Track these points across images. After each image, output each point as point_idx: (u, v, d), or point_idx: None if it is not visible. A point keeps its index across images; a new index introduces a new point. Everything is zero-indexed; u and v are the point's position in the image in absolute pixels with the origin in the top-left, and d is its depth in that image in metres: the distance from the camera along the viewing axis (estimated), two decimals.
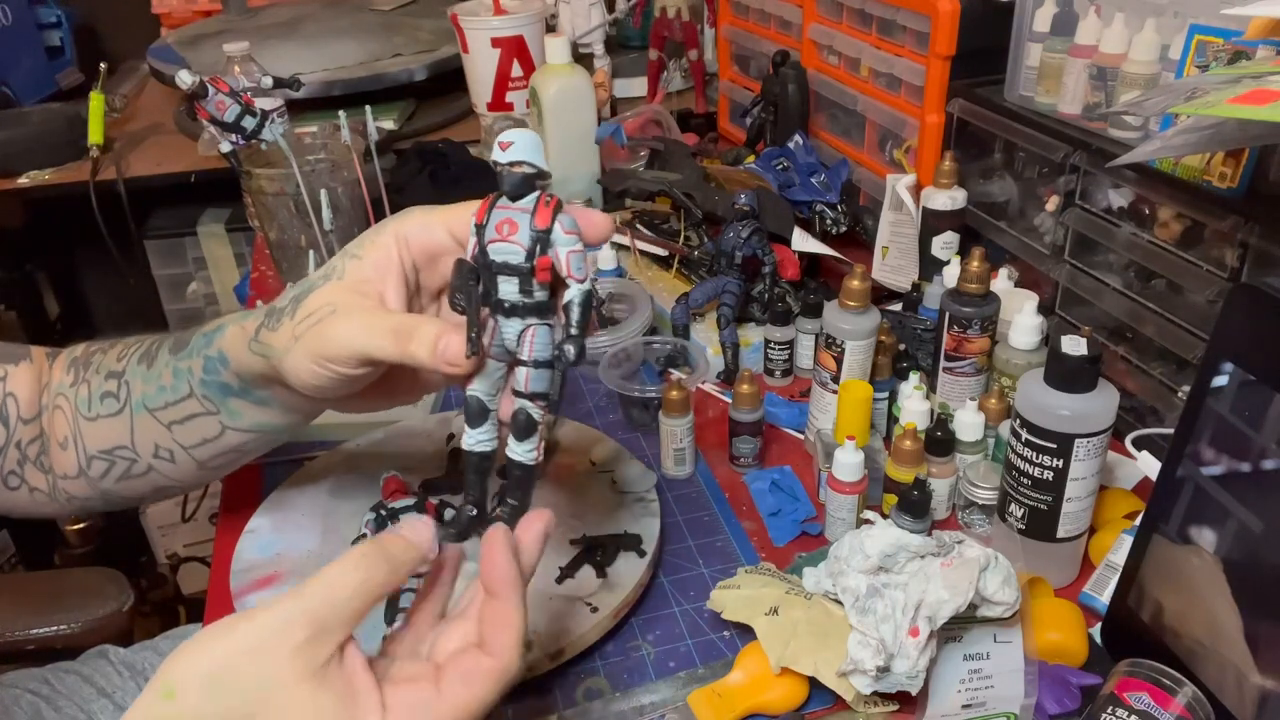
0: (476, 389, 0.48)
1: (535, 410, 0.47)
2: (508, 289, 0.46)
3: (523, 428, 0.48)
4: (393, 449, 0.83)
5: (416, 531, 0.45)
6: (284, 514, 0.74)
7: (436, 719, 0.41)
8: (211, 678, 0.37)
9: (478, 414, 0.48)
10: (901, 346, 0.87)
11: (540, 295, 0.46)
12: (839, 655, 0.58)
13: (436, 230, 0.51)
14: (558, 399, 0.48)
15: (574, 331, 0.45)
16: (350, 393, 0.54)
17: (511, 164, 0.45)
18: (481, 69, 1.50)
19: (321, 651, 0.38)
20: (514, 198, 0.45)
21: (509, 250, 0.45)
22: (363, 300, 0.50)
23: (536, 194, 0.46)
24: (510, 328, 0.47)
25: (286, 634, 0.38)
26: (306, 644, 0.38)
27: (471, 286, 0.46)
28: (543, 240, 0.45)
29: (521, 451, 0.48)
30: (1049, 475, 0.64)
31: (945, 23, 0.92)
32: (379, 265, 0.51)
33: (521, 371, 0.47)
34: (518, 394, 0.47)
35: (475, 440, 0.49)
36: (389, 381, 0.56)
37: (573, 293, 0.45)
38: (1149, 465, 0.74)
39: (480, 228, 0.46)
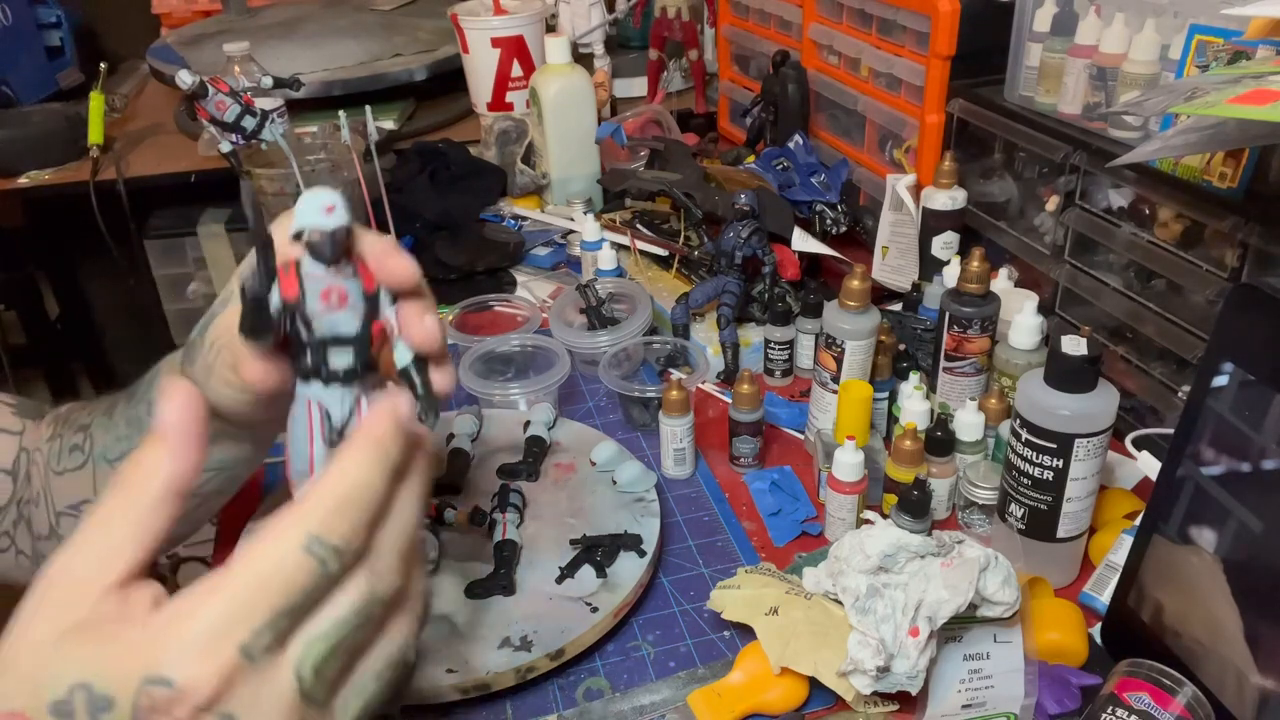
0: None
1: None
2: (341, 360, 0.41)
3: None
4: None
5: (163, 415, 0.36)
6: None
7: (219, 594, 0.32)
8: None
9: None
10: (901, 346, 0.87)
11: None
12: (839, 655, 0.58)
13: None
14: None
15: (421, 393, 0.41)
16: (277, 408, 0.50)
17: (312, 228, 0.40)
18: (481, 69, 1.50)
19: (74, 611, 0.33)
20: (332, 262, 0.41)
21: (341, 320, 0.41)
22: None
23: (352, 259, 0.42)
24: (339, 401, 0.41)
25: (34, 613, 0.33)
26: (57, 611, 0.33)
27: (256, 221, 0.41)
28: (372, 304, 0.42)
29: None
30: (1049, 475, 0.64)
31: (945, 23, 0.92)
32: None
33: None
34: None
35: None
36: None
37: (405, 355, 0.42)
38: (1149, 465, 0.74)
39: (298, 301, 0.41)
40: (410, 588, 0.38)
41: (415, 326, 0.43)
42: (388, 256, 0.43)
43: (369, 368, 0.42)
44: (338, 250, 0.40)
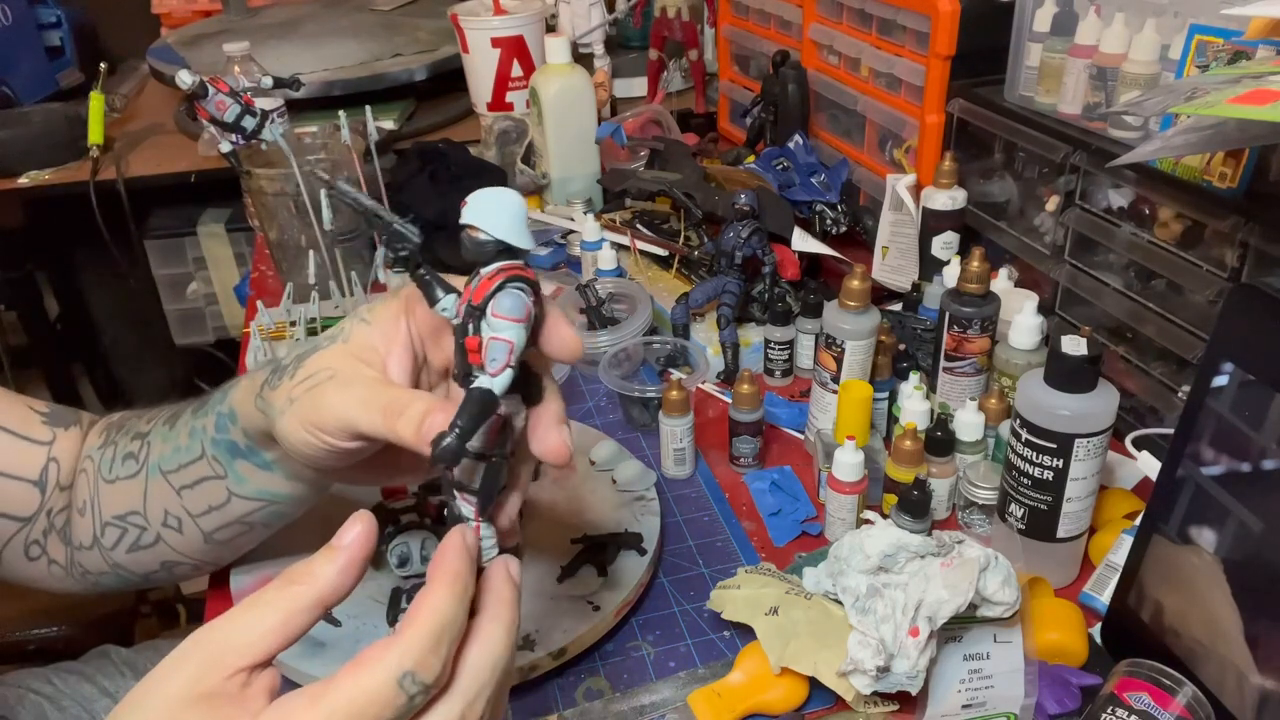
0: None
1: (463, 504, 0.41)
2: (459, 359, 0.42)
3: (451, 519, 0.42)
4: None
5: (343, 535, 0.39)
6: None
7: (318, 707, 0.36)
8: (118, 713, 0.37)
9: (445, 485, 0.42)
10: (901, 346, 0.87)
11: (475, 374, 0.40)
12: (839, 655, 0.58)
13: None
14: (487, 497, 0.41)
15: (456, 426, 0.38)
16: (345, 465, 0.51)
17: (467, 227, 0.41)
18: (481, 69, 1.50)
19: (208, 680, 0.36)
20: (479, 263, 0.41)
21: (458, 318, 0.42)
22: (363, 369, 0.48)
23: (496, 264, 0.41)
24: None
25: (177, 667, 0.37)
26: (195, 674, 0.37)
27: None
28: (474, 316, 0.40)
29: None
30: (1049, 475, 0.64)
31: (945, 23, 0.92)
32: (386, 333, 0.49)
33: None
34: (449, 480, 0.41)
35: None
36: (391, 456, 0.52)
37: (476, 384, 0.40)
38: (1149, 465, 0.74)
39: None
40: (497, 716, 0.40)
41: (554, 339, 0.45)
42: (556, 326, 0.45)
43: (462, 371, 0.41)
44: (470, 251, 0.41)
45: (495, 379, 0.39)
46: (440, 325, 0.49)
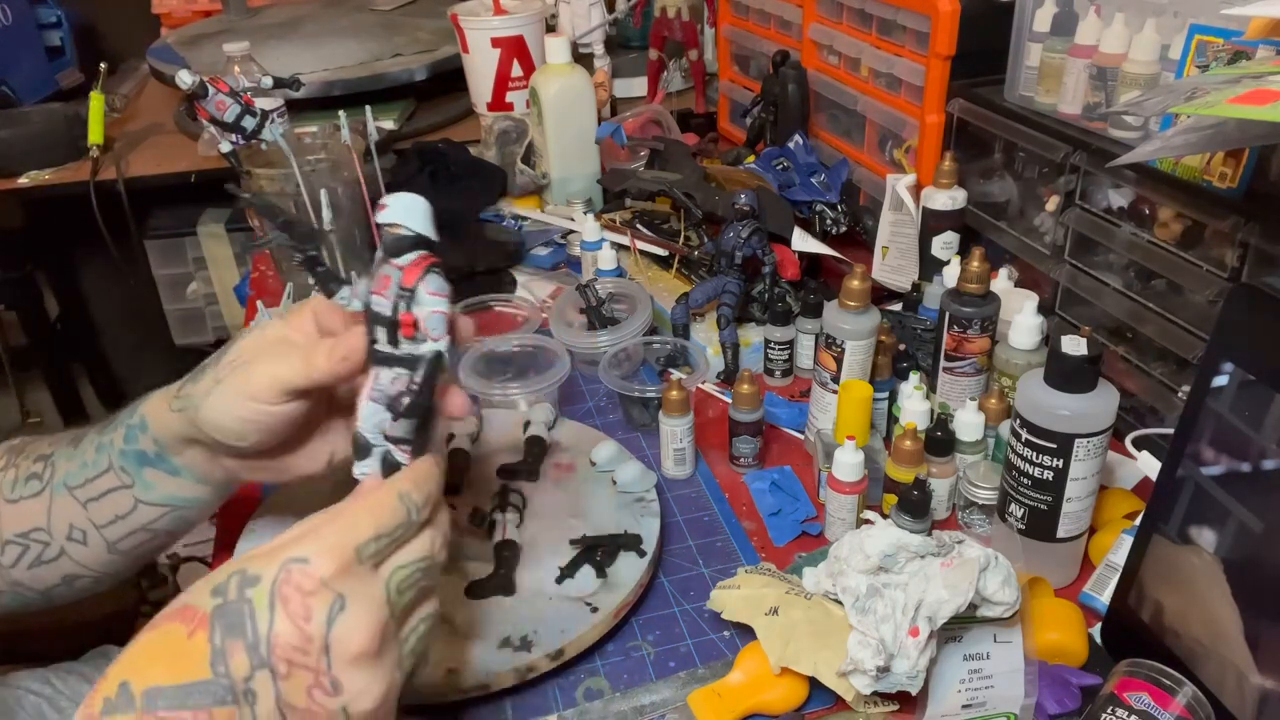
0: (363, 427, 0.51)
1: (399, 454, 0.51)
2: (380, 338, 0.50)
3: (388, 470, 0.51)
4: None
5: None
6: (284, 514, 0.74)
7: (342, 518, 0.46)
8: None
9: (362, 449, 0.51)
10: (901, 346, 0.87)
11: (408, 348, 0.50)
12: (839, 655, 0.58)
13: (338, 314, 0.57)
14: (421, 445, 0.51)
15: (414, 385, 0.50)
16: (266, 438, 0.58)
17: (389, 225, 0.49)
18: (481, 69, 1.50)
19: None
20: (393, 255, 0.49)
21: (380, 303, 0.50)
22: (279, 346, 0.57)
23: (415, 254, 0.49)
24: (385, 375, 0.51)
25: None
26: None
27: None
28: (407, 297, 0.49)
29: None
30: (1049, 475, 0.64)
31: (945, 23, 0.92)
32: (299, 327, 0.58)
33: (387, 416, 0.51)
34: (385, 436, 0.51)
35: (360, 472, 0.52)
36: (292, 445, 0.61)
37: (423, 349, 0.50)
38: (1149, 465, 0.74)
39: (369, 280, 0.51)
40: (433, 594, 0.50)
41: (452, 396, 0.54)
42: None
43: (407, 358, 0.50)
44: (391, 245, 0.49)
45: (439, 343, 0.49)
46: (334, 326, 0.57)
